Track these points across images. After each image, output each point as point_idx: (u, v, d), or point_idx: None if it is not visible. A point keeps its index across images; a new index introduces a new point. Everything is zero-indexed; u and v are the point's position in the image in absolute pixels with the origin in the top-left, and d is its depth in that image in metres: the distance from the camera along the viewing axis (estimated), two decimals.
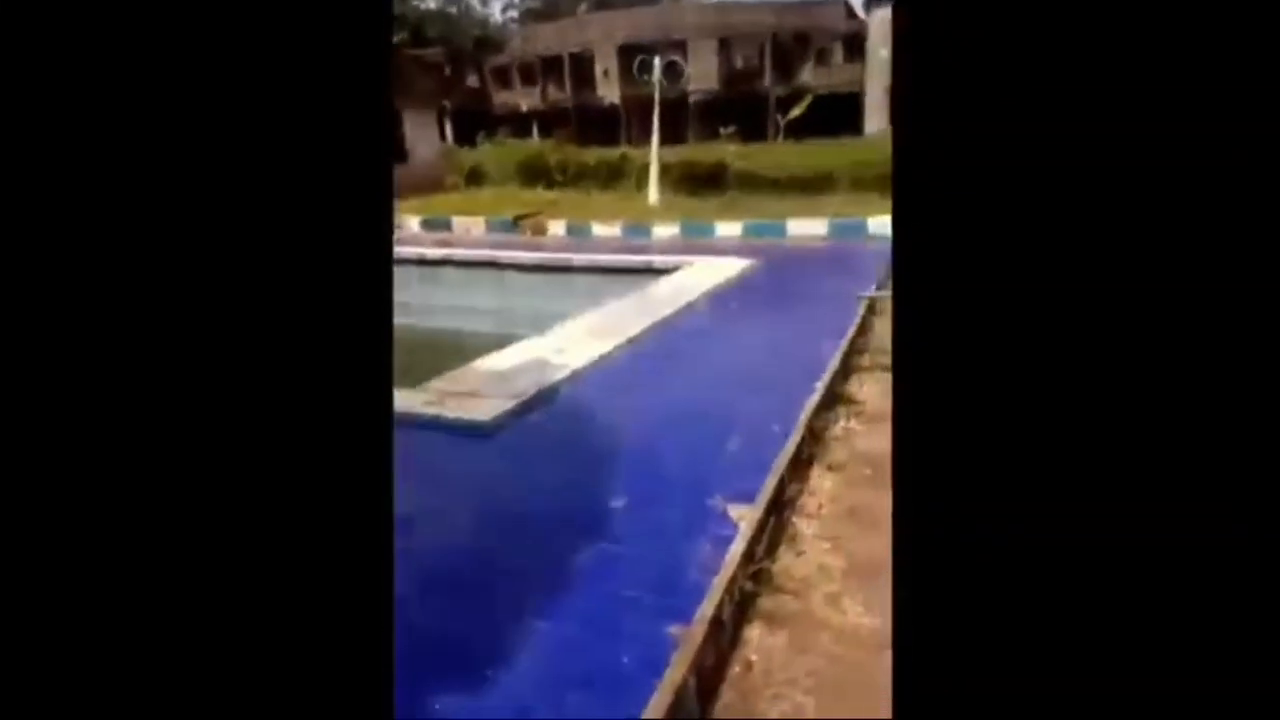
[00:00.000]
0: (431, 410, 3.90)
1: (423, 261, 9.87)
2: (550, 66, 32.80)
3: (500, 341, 7.12)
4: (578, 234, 11.72)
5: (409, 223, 12.85)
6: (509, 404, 4.00)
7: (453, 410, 3.91)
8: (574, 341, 5.33)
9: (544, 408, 4.09)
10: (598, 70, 31.75)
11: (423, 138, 17.33)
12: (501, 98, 34.56)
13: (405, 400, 4.04)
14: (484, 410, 3.90)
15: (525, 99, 33.61)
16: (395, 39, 21.53)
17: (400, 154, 16.78)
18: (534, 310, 9.51)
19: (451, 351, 9.55)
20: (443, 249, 9.91)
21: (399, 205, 14.02)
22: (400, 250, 9.94)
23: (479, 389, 4.24)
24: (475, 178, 18.01)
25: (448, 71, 29.30)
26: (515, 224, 12.45)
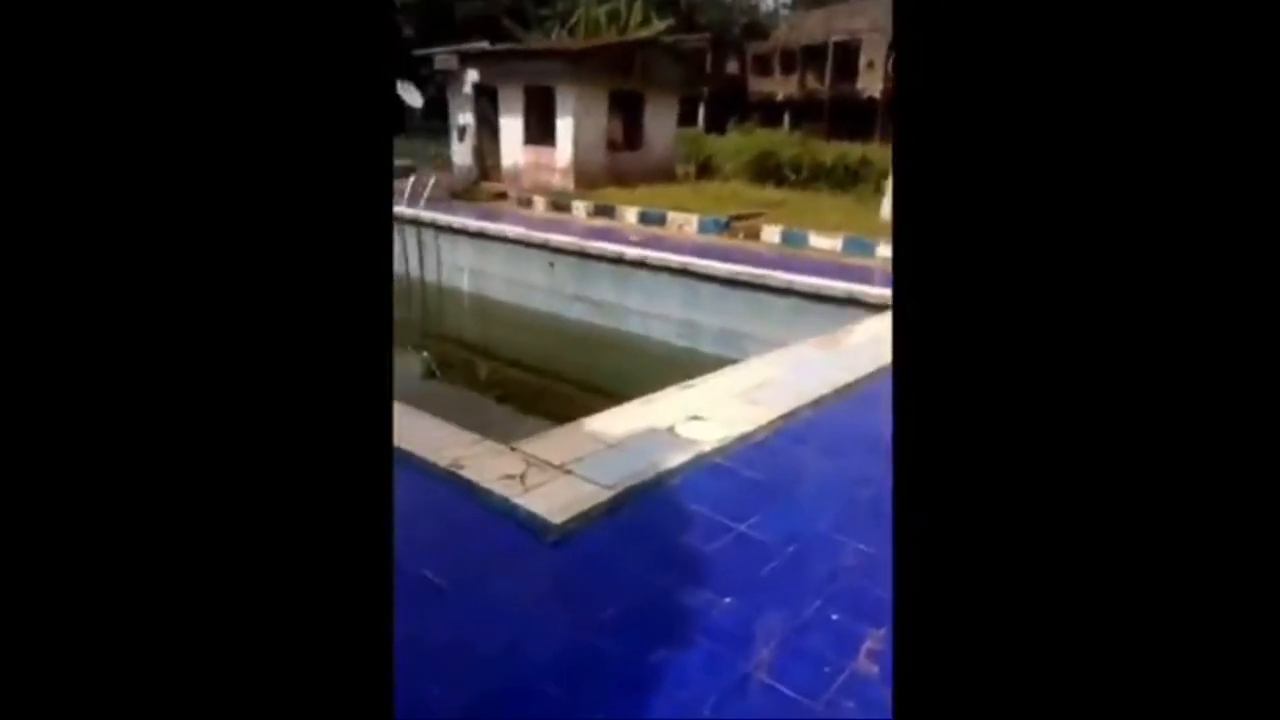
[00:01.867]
0: (503, 491, 3.21)
1: (619, 260, 9.40)
2: (812, 55, 31.34)
3: (680, 359, 6.37)
4: (793, 243, 10.57)
5: (626, 214, 12.52)
6: (598, 496, 3.20)
7: (528, 495, 3.19)
8: (718, 403, 4.38)
9: (637, 509, 3.22)
10: (861, 61, 29.77)
11: (660, 126, 16.97)
12: (758, 85, 33.73)
13: (487, 468, 3.40)
14: (561, 503, 3.13)
15: (782, 87, 32.55)
16: (663, 25, 21.43)
17: (634, 142, 16.60)
18: (721, 328, 8.65)
19: (636, 356, 9.15)
20: (642, 249, 9.33)
21: (621, 193, 13.79)
22: (599, 246, 9.55)
23: (575, 464, 3.48)
24: (706, 170, 17.38)
25: (709, 58, 29.09)
26: (729, 225, 11.58)
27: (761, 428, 4.09)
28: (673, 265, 8.96)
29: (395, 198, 12.18)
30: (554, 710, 2.10)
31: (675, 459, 3.62)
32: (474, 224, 11.03)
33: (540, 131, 15.58)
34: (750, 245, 10.59)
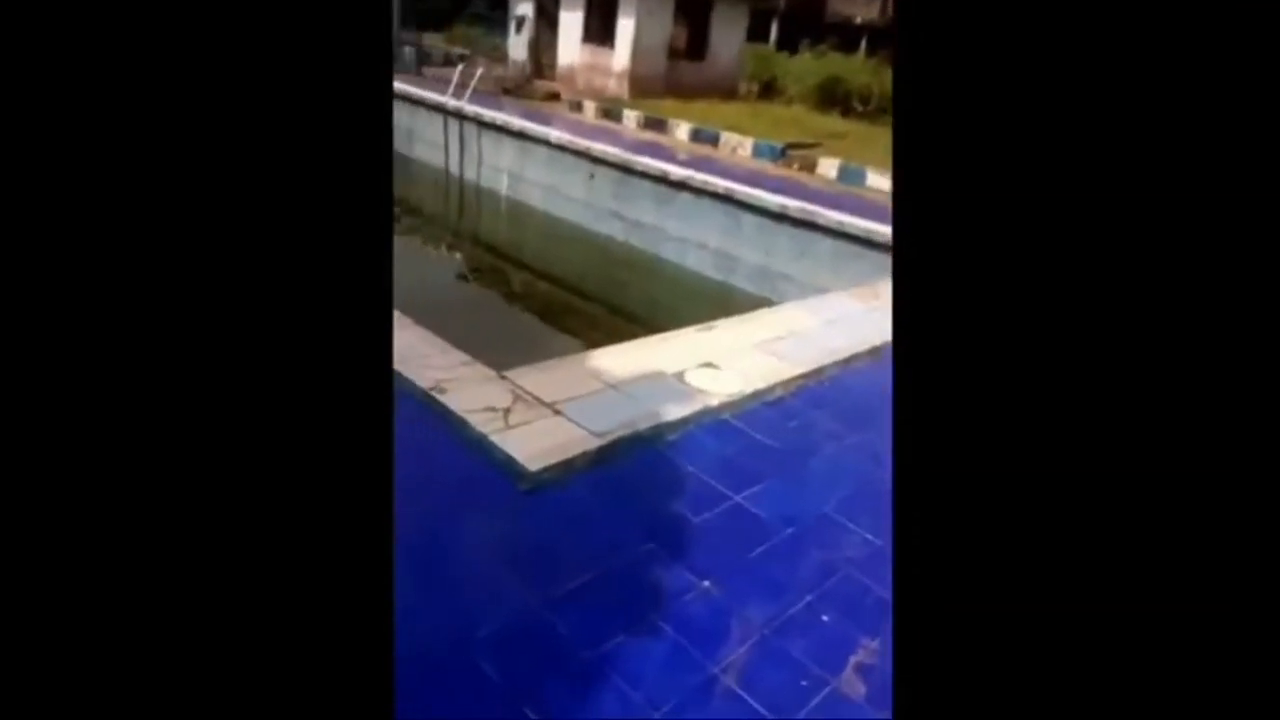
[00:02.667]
0: (481, 425, 2.93)
1: (663, 180, 8.85)
2: None
3: (712, 293, 5.94)
4: (850, 180, 9.86)
5: (678, 130, 11.82)
6: (585, 444, 2.90)
7: (509, 433, 2.90)
8: (737, 352, 4.01)
9: (626, 463, 2.92)
10: None
11: (726, 38, 15.91)
12: (838, 4, 31.59)
13: (471, 396, 3.11)
14: (542, 447, 2.84)
15: (863, 10, 30.37)
16: None
17: (698, 51, 15.61)
18: (760, 265, 8.17)
19: (667, 285, 8.74)
20: (687, 170, 8.76)
21: (677, 105, 13.03)
22: (643, 162, 9.00)
23: (567, 404, 3.18)
24: (770, 90, 16.36)
25: None
26: (784, 153, 10.87)
27: (780, 384, 3.72)
28: (717, 190, 8.40)
29: (441, 86, 11.62)
30: (485, 692, 1.86)
31: (678, 410, 3.29)
32: (517, 123, 10.48)
33: (600, 31, 14.71)
34: (804, 178, 9.91)
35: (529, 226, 10.40)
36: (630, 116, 12.45)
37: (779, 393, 3.69)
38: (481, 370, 3.37)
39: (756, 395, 3.59)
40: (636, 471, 2.89)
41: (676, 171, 8.78)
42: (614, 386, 3.42)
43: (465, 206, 11.40)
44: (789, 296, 7.22)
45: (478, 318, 7.29)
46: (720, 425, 3.32)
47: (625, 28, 14.22)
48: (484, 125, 10.87)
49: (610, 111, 12.76)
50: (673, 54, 15.05)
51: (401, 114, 12.12)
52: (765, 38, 23.81)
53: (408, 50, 17.55)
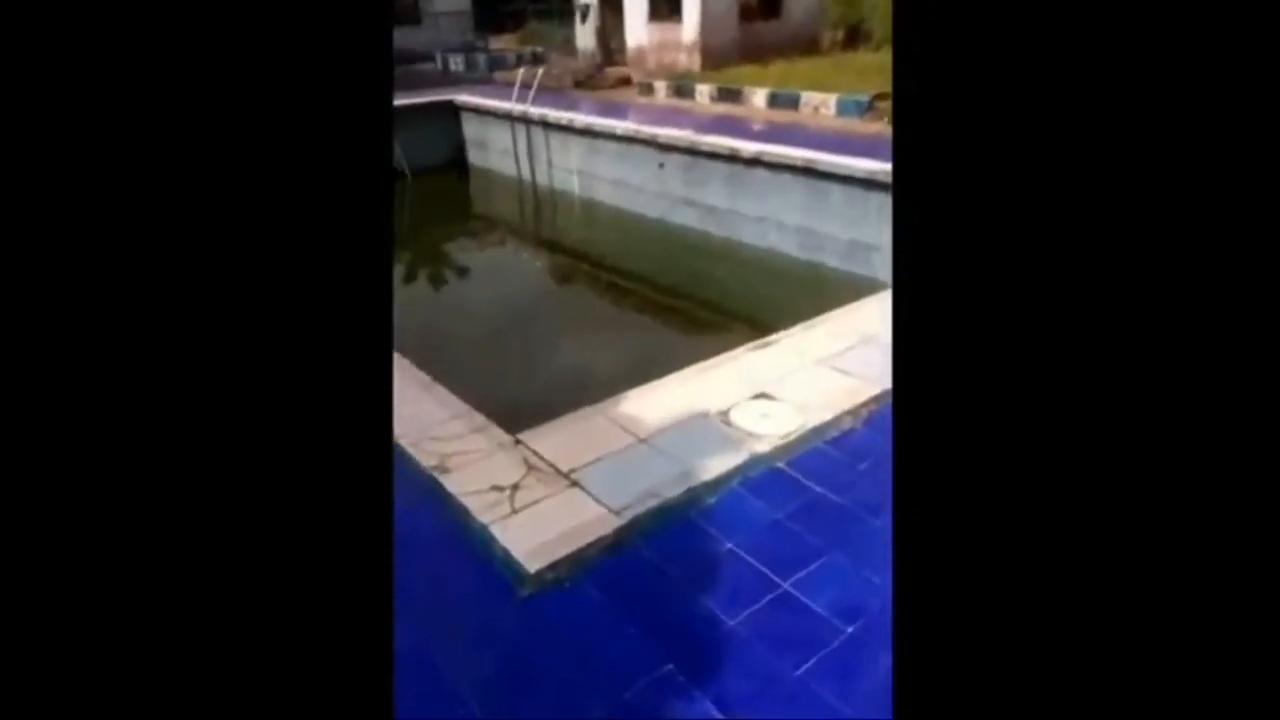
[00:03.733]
0: (484, 513, 2.55)
1: (734, 158, 8.19)
2: None
3: (799, 274, 5.32)
4: None
5: (754, 97, 11.03)
6: (599, 527, 2.46)
7: (513, 520, 2.51)
8: (797, 372, 3.42)
9: (648, 547, 2.45)
10: None
11: None
12: None
13: (476, 473, 2.74)
14: (548, 536, 2.42)
15: None
16: None
17: (772, 8, 14.59)
18: (852, 239, 7.38)
19: (748, 270, 8.11)
20: (759, 144, 8.05)
21: (753, 71, 12.20)
22: (710, 142, 8.37)
23: (586, 471, 2.74)
24: (856, 37, 15.05)
25: None
26: (871, 105, 9.85)
27: (847, 413, 3.12)
28: (794, 163, 7.64)
29: (510, 91, 11.41)
30: None
31: (719, 464, 2.78)
32: (581, 119, 10.08)
33: (667, 5, 14.02)
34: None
35: (602, 224, 10.00)
36: (703, 91, 11.75)
37: (846, 424, 3.08)
38: (494, 436, 3.00)
39: (818, 432, 3.01)
40: (660, 558, 2.42)
41: (747, 148, 8.08)
42: (645, 440, 2.95)
43: (539, 211, 11.17)
44: (885, 270, 6.45)
45: (546, 327, 6.99)
46: (771, 478, 2.78)
47: None
48: (549, 126, 10.55)
49: (682, 89, 12.11)
50: (745, 15, 14.12)
51: (472, 125, 12.04)
52: None
53: (481, 57, 17.59)
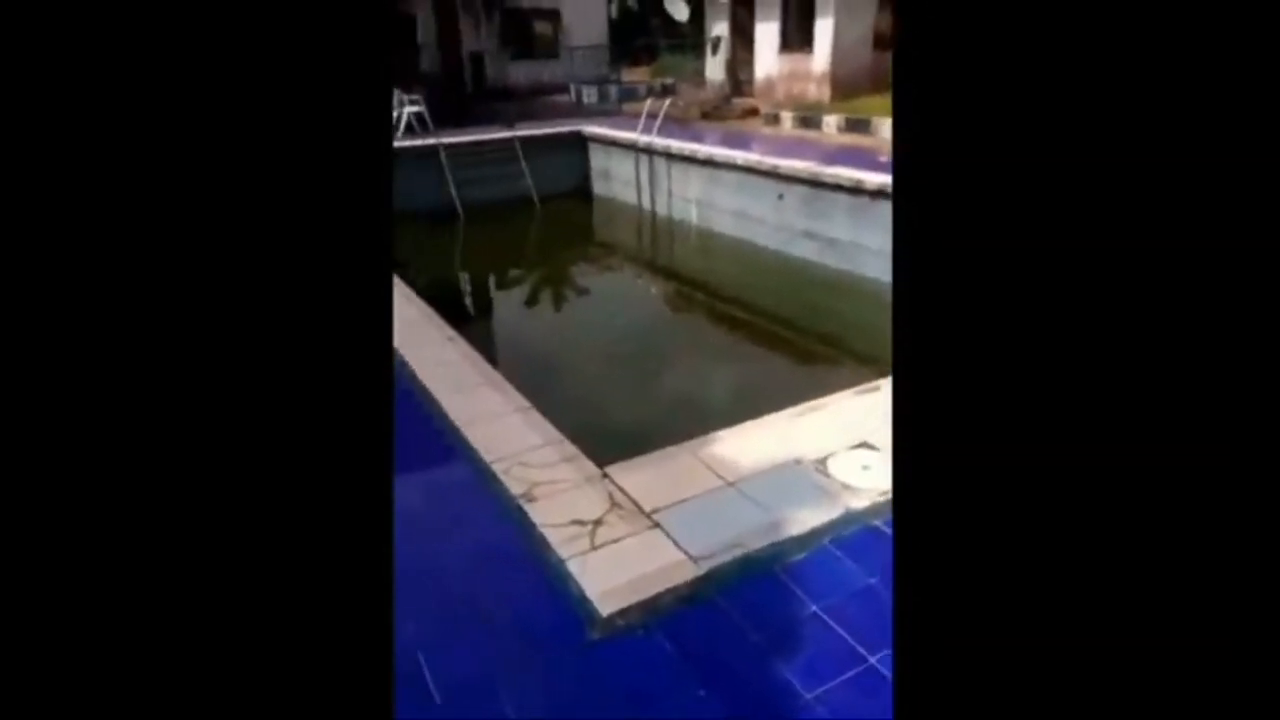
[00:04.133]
0: (564, 548, 2.51)
1: (858, 190, 7.92)
2: None
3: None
4: None
5: (882, 127, 10.69)
6: (675, 574, 2.36)
7: (591, 558, 2.46)
8: None
9: (726, 600, 2.32)
10: None
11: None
12: None
13: (561, 505, 2.72)
14: (624, 579, 2.34)
15: None
16: None
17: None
18: None
19: (871, 305, 7.77)
20: (884, 175, 7.75)
21: (883, 100, 11.84)
22: (833, 174, 8.15)
23: (669, 512, 2.66)
24: None
25: None
26: None
27: None
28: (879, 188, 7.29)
29: (636, 122, 11.62)
30: None
31: (811, 517, 2.61)
32: (703, 150, 10.10)
33: (798, 37, 13.92)
34: None
35: (719, 254, 9.93)
36: (830, 122, 11.51)
37: None
38: (583, 468, 2.97)
39: None
40: (738, 614, 2.28)
41: (872, 180, 7.79)
42: (734, 484, 2.83)
43: (657, 239, 11.25)
44: None
45: (654, 355, 6.96)
46: (866, 538, 2.58)
47: (824, 28, 13.28)
48: (671, 156, 10.64)
49: (808, 119, 11.92)
50: (878, 43, 13.75)
51: (598, 155, 12.35)
52: None
53: (613, 89, 18.09)
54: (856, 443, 3.06)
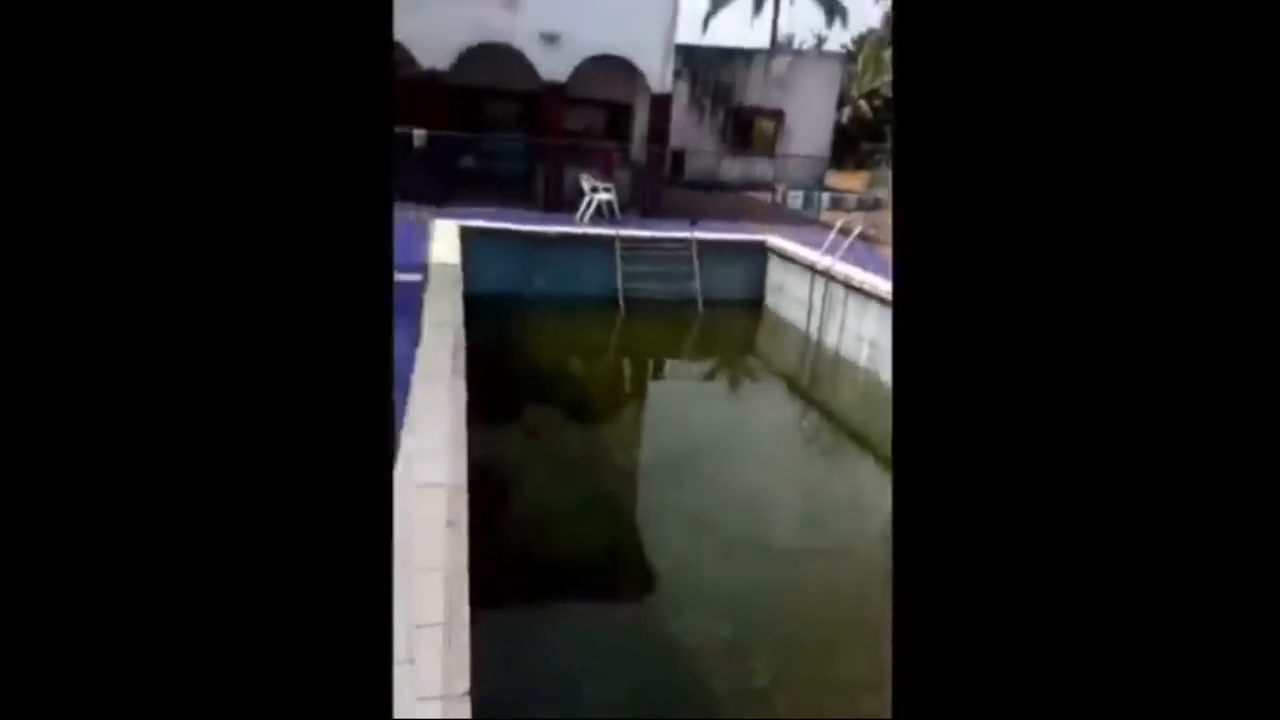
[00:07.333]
0: None
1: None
2: None
3: None
4: None
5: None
6: None
7: None
8: None
9: None
10: None
11: None
12: None
13: None
14: None
15: None
16: None
17: None
18: None
19: None
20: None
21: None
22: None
23: None
24: None
25: None
26: None
27: None
28: None
29: (822, 234, 10.82)
30: None
31: None
32: (884, 286, 9.06)
33: None
34: None
35: (882, 406, 8.73)
36: None
37: None
38: None
39: None
40: None
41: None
42: None
43: (817, 370, 10.24)
44: None
45: (778, 507, 5.99)
46: None
47: None
48: (850, 287, 9.68)
49: None
50: None
51: (776, 269, 11.66)
52: None
53: (819, 196, 17.44)
54: None
